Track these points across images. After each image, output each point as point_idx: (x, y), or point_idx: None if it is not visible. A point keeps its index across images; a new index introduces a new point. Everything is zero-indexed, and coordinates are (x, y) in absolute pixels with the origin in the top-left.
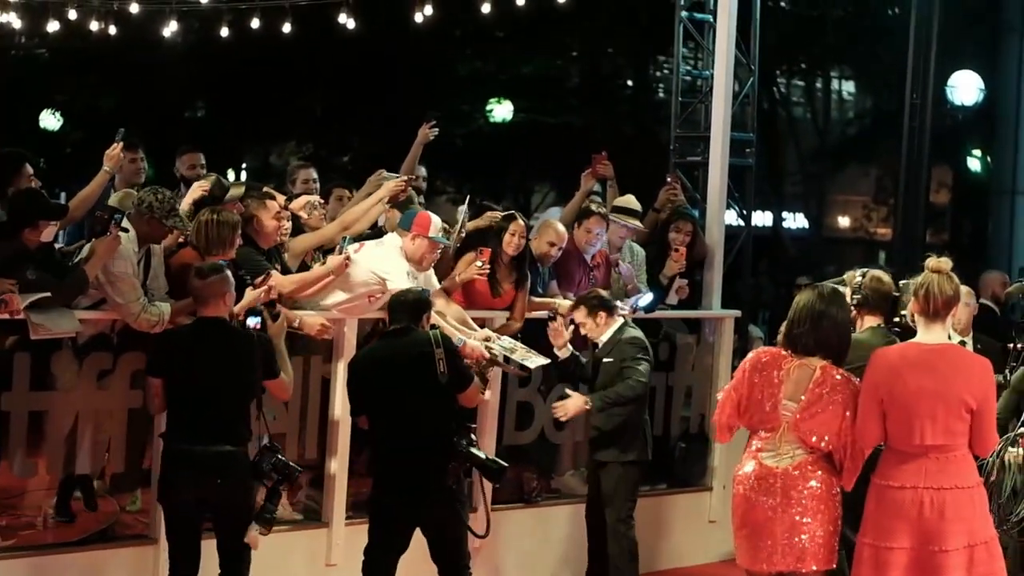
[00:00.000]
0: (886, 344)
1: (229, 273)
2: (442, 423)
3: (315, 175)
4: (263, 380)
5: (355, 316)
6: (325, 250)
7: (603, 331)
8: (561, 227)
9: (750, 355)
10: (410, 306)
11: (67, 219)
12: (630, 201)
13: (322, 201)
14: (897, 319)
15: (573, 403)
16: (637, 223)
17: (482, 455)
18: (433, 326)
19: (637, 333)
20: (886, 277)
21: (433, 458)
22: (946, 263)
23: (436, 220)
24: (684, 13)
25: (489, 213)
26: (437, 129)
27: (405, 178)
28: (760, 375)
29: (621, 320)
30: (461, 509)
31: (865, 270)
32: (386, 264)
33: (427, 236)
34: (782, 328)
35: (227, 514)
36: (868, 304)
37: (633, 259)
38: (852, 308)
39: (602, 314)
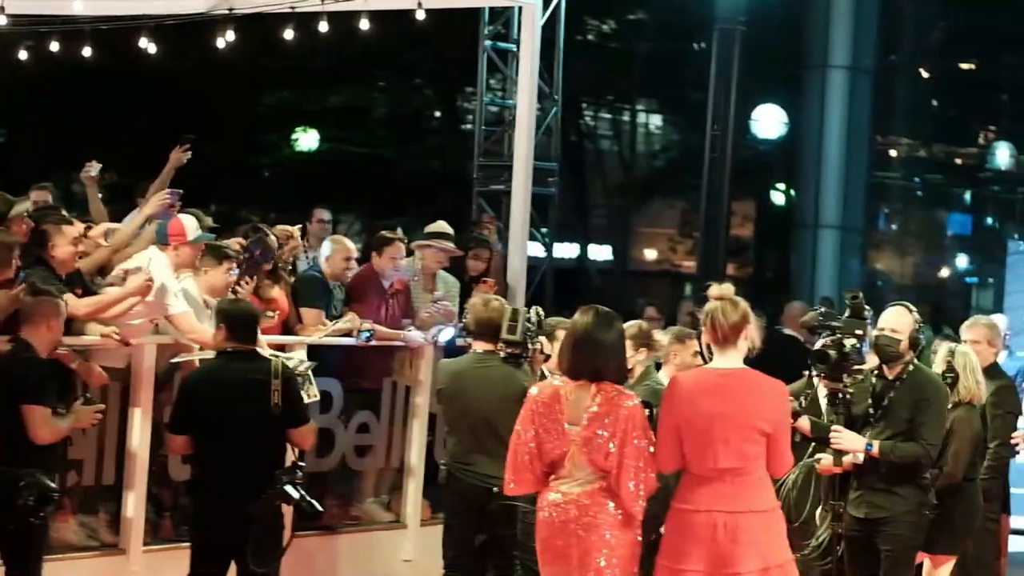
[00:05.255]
0: (475, 368)
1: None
2: (269, 455)
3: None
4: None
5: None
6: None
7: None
8: (349, 242)
9: (527, 402)
10: (247, 320)
11: None
12: (443, 226)
13: (121, 227)
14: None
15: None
16: (452, 246)
17: (296, 495)
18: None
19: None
20: (495, 302)
21: (254, 489)
22: (728, 289)
23: (190, 221)
24: (488, 42)
25: (280, 227)
26: (190, 152)
27: (168, 192)
28: (542, 416)
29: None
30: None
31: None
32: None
33: (189, 241)
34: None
35: None
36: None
37: (447, 289)
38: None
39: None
